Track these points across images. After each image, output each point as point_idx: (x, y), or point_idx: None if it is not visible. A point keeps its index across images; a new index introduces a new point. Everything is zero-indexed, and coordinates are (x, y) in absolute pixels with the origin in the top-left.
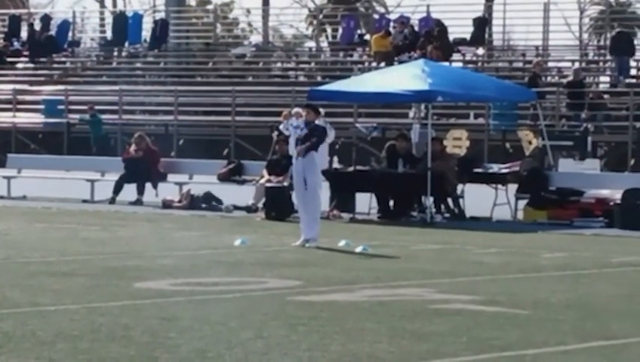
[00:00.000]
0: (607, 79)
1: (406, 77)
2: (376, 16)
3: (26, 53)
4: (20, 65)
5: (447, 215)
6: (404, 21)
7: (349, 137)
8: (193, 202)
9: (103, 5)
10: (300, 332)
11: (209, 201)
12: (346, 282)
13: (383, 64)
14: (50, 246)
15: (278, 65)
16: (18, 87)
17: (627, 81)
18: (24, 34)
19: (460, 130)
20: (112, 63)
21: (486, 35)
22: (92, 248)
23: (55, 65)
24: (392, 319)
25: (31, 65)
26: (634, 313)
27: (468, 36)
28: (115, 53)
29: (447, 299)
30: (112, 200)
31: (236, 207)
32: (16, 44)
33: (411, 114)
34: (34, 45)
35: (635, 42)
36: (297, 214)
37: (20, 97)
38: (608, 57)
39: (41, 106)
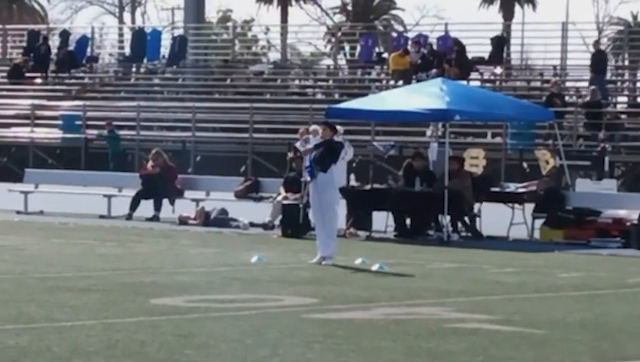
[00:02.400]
0: (625, 99)
1: (424, 95)
2: (394, 35)
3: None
4: (38, 81)
5: (463, 234)
6: (421, 40)
7: (366, 155)
8: (207, 219)
9: (121, 21)
10: (316, 350)
11: (224, 218)
12: (362, 300)
13: (400, 82)
14: (67, 262)
15: (296, 82)
16: (36, 102)
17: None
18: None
19: (477, 148)
20: (130, 79)
21: (504, 55)
22: (109, 264)
23: (73, 81)
24: (407, 338)
25: (49, 79)
26: None
27: (486, 55)
28: (134, 69)
29: (463, 318)
30: (129, 216)
31: (253, 224)
32: (31, 60)
33: (429, 132)
34: (47, 60)
35: None
36: (314, 232)
37: (37, 112)
38: (627, 77)
39: (59, 122)
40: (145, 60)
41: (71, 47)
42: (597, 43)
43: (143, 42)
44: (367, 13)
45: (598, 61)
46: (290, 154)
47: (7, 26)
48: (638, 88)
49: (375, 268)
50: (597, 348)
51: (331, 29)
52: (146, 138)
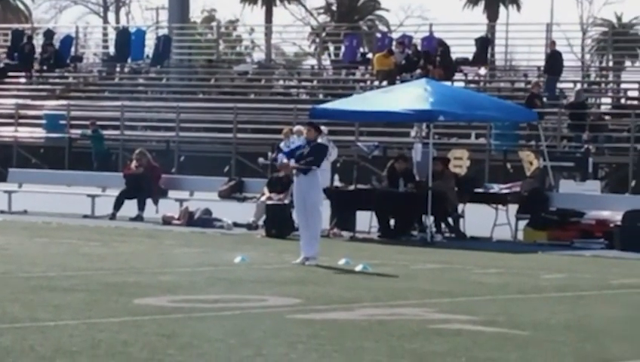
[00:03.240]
0: (609, 100)
1: (408, 96)
2: (378, 35)
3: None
4: (22, 80)
5: (447, 234)
6: (405, 40)
7: (350, 156)
8: (191, 219)
9: (106, 21)
10: (299, 350)
11: (208, 218)
12: (345, 301)
13: (385, 83)
14: (51, 262)
15: (280, 82)
16: (20, 101)
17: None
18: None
19: (461, 149)
20: (114, 79)
21: (488, 55)
22: (92, 264)
23: (57, 80)
24: (391, 338)
25: (33, 79)
26: (633, 335)
27: (470, 56)
28: (118, 69)
29: (446, 319)
30: (113, 216)
31: (237, 225)
32: (15, 59)
33: (413, 133)
34: (31, 60)
35: (637, 64)
36: (298, 232)
37: (21, 112)
38: (610, 78)
39: (43, 121)
40: (129, 60)
41: (55, 47)
42: (553, 44)
43: (128, 42)
44: (351, 14)
45: (554, 62)
46: (272, 155)
47: None
48: (622, 89)
49: (359, 268)
50: (580, 349)
51: (316, 29)
52: (130, 138)
